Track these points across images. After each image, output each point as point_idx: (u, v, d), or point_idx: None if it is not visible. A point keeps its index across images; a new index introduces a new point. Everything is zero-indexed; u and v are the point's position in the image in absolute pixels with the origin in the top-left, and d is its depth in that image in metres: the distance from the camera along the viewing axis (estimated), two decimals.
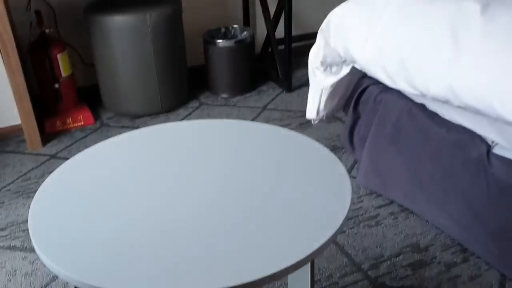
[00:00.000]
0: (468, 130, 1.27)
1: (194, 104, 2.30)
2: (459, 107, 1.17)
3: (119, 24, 1.97)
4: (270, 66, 2.50)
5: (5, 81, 2.01)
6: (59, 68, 2.04)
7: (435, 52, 1.19)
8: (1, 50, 1.80)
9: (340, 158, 1.81)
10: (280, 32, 2.42)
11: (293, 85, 2.42)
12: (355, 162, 1.78)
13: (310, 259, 0.72)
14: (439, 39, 1.19)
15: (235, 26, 2.43)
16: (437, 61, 1.18)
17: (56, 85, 2.06)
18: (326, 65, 1.58)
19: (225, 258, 0.70)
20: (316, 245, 0.72)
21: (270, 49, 2.52)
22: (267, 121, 2.12)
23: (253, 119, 2.14)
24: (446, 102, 1.20)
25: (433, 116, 1.37)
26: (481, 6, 1.16)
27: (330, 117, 1.75)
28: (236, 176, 0.88)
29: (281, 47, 2.37)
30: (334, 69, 1.58)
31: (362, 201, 1.59)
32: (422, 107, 1.41)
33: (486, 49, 1.09)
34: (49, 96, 2.09)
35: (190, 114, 2.21)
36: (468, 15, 1.16)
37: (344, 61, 1.53)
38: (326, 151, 0.96)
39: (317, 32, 2.63)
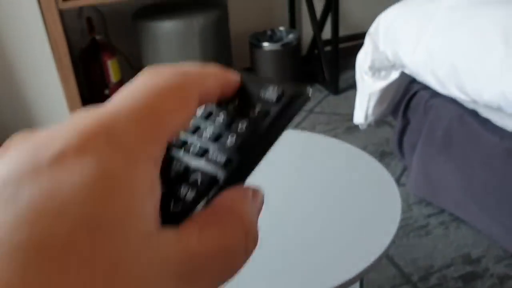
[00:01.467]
0: None
1: None
2: None
3: (166, 30, 2.00)
4: (316, 68, 2.47)
5: (58, 87, 2.08)
6: (109, 74, 2.09)
7: (487, 58, 1.14)
8: (54, 57, 1.86)
9: (389, 164, 1.77)
10: (326, 33, 2.39)
11: (340, 87, 2.39)
12: (405, 168, 1.73)
13: (360, 278, 0.70)
14: (490, 44, 1.14)
15: (281, 28, 2.42)
16: (489, 67, 1.13)
17: (106, 91, 2.11)
18: (375, 70, 1.54)
19: (281, 275, 0.70)
20: (365, 264, 0.71)
21: (316, 51, 2.50)
22: (314, 125, 2.11)
23: (299, 123, 2.13)
24: (498, 109, 1.15)
25: (486, 122, 1.32)
26: None
27: (379, 122, 1.71)
28: (281, 189, 0.88)
29: (328, 48, 2.34)
30: (382, 73, 1.55)
31: (412, 209, 1.55)
32: (474, 113, 1.36)
33: None
34: (99, 102, 2.14)
35: None
36: None
37: (393, 66, 1.50)
38: (374, 161, 0.94)
39: (365, 32, 2.58)
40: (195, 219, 0.19)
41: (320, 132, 2.05)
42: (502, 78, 1.10)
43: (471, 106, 1.37)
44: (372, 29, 1.52)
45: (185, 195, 0.20)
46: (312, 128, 2.09)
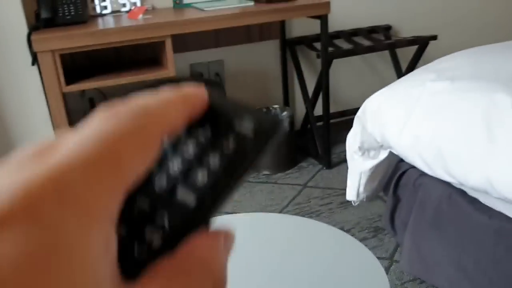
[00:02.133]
0: (510, 218, 1.25)
1: None
2: (498, 198, 1.17)
3: None
4: (309, 142, 2.55)
5: None
6: None
7: (471, 143, 1.21)
8: None
9: (383, 240, 1.80)
10: (318, 109, 2.48)
11: (332, 161, 2.45)
12: (398, 245, 1.76)
13: None
14: (473, 130, 1.21)
15: (276, 106, 2.51)
16: (473, 153, 1.19)
17: None
18: (364, 150, 1.61)
19: None
20: None
21: (309, 126, 2.58)
22: (308, 199, 2.14)
23: (294, 197, 2.17)
24: (485, 192, 1.20)
25: (474, 202, 1.36)
26: None
27: (371, 199, 1.76)
28: (266, 274, 0.91)
29: (320, 123, 2.43)
30: (372, 153, 1.61)
31: None
32: (462, 192, 1.40)
33: None
34: None
35: None
36: (500, 108, 1.18)
37: (382, 146, 1.56)
38: (361, 246, 0.97)
39: (354, 109, 2.68)
40: (159, 273, 0.17)
41: (314, 206, 2.09)
42: (486, 164, 1.16)
43: (459, 185, 1.42)
44: (360, 112, 1.60)
45: (151, 239, 0.18)
46: (307, 203, 2.12)
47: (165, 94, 0.19)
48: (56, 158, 0.16)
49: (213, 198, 0.19)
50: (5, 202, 0.14)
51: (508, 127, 1.14)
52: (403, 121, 1.43)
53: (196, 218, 0.19)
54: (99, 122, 0.17)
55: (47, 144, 0.17)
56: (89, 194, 0.15)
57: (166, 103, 0.19)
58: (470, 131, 1.22)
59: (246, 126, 0.20)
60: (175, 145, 0.20)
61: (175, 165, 0.20)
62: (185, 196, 0.19)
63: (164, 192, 0.19)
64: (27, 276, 0.13)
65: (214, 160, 0.19)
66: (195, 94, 0.20)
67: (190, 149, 0.20)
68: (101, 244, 0.16)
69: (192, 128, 0.20)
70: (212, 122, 0.21)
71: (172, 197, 0.19)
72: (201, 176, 0.19)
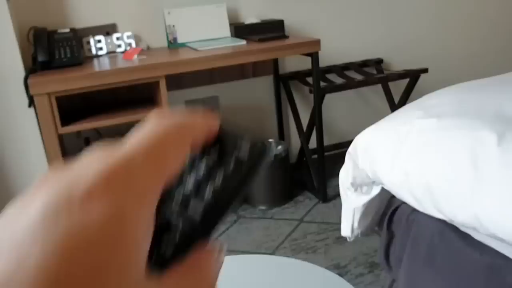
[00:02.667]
0: (501, 254, 1.26)
1: (231, 217, 2.36)
2: (487, 235, 1.18)
3: None
4: (305, 176, 2.57)
5: None
6: None
7: (458, 180, 1.22)
8: None
9: (379, 275, 1.80)
10: (314, 141, 2.51)
11: (329, 195, 2.46)
12: (393, 281, 1.75)
13: None
14: (460, 167, 1.23)
15: (271, 140, 2.54)
16: (461, 190, 1.21)
17: None
18: (356, 186, 1.62)
19: None
20: None
21: (304, 159, 2.60)
22: (305, 234, 2.15)
23: (290, 233, 2.17)
24: (474, 229, 1.21)
25: (466, 237, 1.37)
26: (497, 136, 1.20)
27: (366, 234, 1.76)
28: None
29: (315, 156, 2.45)
30: (364, 189, 1.62)
31: None
32: (454, 228, 1.41)
33: (506, 181, 1.11)
34: None
35: (227, 229, 2.27)
36: (485, 145, 1.20)
37: (374, 182, 1.58)
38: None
39: (348, 141, 2.70)
40: (172, 274, 0.22)
41: (311, 242, 2.09)
42: (474, 202, 1.18)
43: (450, 221, 1.43)
44: (351, 148, 1.62)
45: (166, 247, 0.22)
46: (303, 238, 2.13)
47: (195, 116, 0.25)
48: (123, 152, 0.21)
49: (215, 214, 0.23)
50: (91, 182, 0.20)
51: (494, 165, 1.16)
52: (393, 158, 1.45)
53: (201, 231, 0.23)
54: (153, 125, 0.23)
55: (116, 144, 0.22)
56: (146, 179, 0.21)
57: (196, 124, 0.24)
58: (457, 169, 1.24)
59: (243, 151, 0.24)
60: (192, 162, 0.24)
61: (190, 181, 0.24)
62: (194, 210, 0.23)
63: (180, 203, 0.23)
64: (106, 238, 0.19)
65: (218, 179, 0.23)
66: (212, 123, 0.25)
67: (202, 167, 0.24)
68: (147, 224, 0.21)
69: (204, 149, 0.25)
70: (219, 145, 0.25)
71: (185, 209, 0.23)
72: (207, 194, 0.23)
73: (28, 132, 2.02)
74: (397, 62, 2.91)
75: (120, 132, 2.14)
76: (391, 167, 1.44)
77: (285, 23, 2.58)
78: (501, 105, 1.38)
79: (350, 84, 2.40)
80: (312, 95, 2.36)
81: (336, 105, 2.83)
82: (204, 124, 0.25)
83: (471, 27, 3.06)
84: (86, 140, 2.22)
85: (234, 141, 0.25)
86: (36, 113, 1.91)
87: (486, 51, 3.14)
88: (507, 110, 1.35)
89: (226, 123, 0.26)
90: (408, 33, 2.90)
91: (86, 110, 2.10)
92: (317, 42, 2.19)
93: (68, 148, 2.31)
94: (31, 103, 1.94)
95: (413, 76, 2.49)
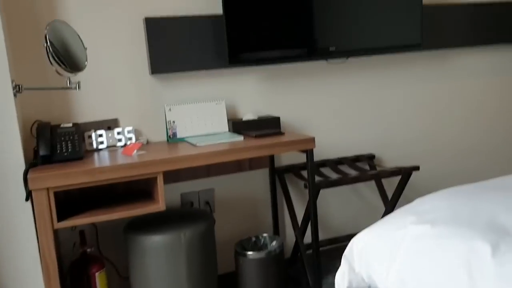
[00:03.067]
0: None
1: None
2: None
3: (154, 243, 2.10)
4: (300, 272, 2.54)
5: None
6: (96, 287, 2.13)
7: None
8: (43, 273, 1.92)
9: None
10: (308, 235, 2.50)
11: None
12: None
13: None
14: (455, 278, 1.23)
15: (265, 235, 2.53)
16: None
17: None
18: None
19: None
20: None
21: (299, 254, 2.59)
22: None
23: None
24: None
25: None
26: (491, 247, 1.22)
27: None
28: None
29: (310, 251, 2.44)
30: None
31: None
32: None
33: None
34: None
35: None
36: (480, 256, 1.22)
37: (369, 286, 1.57)
38: None
39: (343, 236, 2.71)
40: None
41: None
42: None
43: None
44: (347, 251, 1.62)
45: None
46: None
47: None
48: None
49: None
50: None
51: (489, 278, 1.17)
52: (388, 263, 1.45)
53: None
54: None
55: None
56: None
57: None
58: (453, 280, 1.24)
59: None
60: None
61: None
62: None
63: None
64: None
65: None
66: None
67: None
68: None
69: None
70: None
71: None
72: None
73: (23, 226, 2.01)
74: (389, 158, 2.98)
75: (115, 226, 2.14)
76: (387, 273, 1.44)
77: (281, 119, 2.68)
78: (493, 214, 1.42)
79: (345, 180, 2.44)
80: (307, 190, 2.39)
81: (330, 199, 2.86)
82: None
83: (462, 126, 3.17)
84: (81, 233, 2.21)
85: None
86: (33, 207, 1.92)
87: (477, 151, 3.23)
88: (500, 219, 1.38)
89: None
90: (399, 131, 3.00)
91: (83, 203, 2.12)
92: (311, 140, 2.26)
93: (62, 240, 2.30)
94: (29, 197, 1.96)
95: (405, 173, 2.54)
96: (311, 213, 2.35)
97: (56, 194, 1.90)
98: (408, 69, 2.98)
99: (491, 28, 3.08)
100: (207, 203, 2.61)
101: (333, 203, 2.88)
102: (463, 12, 3.00)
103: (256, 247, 2.49)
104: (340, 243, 2.70)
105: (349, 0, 2.60)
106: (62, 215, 1.95)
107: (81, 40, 2.09)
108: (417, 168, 2.55)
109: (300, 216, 2.73)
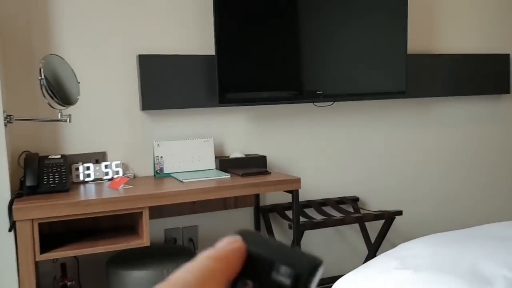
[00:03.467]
0: None
1: None
2: None
3: (136, 279, 2.08)
4: None
5: None
6: None
7: None
8: None
9: None
10: None
11: None
12: None
13: None
14: None
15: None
16: None
17: None
18: None
19: None
20: None
21: None
22: None
23: None
24: None
25: None
26: None
27: None
28: None
29: None
30: None
31: None
32: None
33: None
34: None
35: None
36: None
37: None
38: None
39: (327, 278, 2.69)
40: None
41: None
42: None
43: None
44: None
45: None
46: None
47: (225, 250, 0.32)
48: (175, 279, 0.30)
49: None
50: None
51: None
52: None
53: None
54: (201, 263, 0.31)
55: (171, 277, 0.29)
56: None
57: (229, 262, 0.31)
58: None
59: (283, 273, 0.25)
60: None
61: None
62: None
63: None
64: None
65: None
66: (241, 254, 0.31)
67: None
68: None
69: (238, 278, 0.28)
70: (250, 273, 0.28)
71: None
72: None
73: (4, 257, 1.98)
74: (373, 201, 3.02)
75: (97, 260, 2.11)
76: None
77: (268, 158, 2.71)
78: (475, 261, 1.45)
79: (329, 222, 2.47)
80: (291, 230, 2.40)
81: (313, 240, 2.88)
82: (235, 262, 0.31)
83: (444, 173, 3.24)
84: (62, 266, 2.18)
85: (271, 266, 0.27)
86: (16, 238, 1.90)
87: (458, 197, 3.29)
88: (481, 266, 1.41)
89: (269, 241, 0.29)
90: (384, 175, 3.05)
91: (65, 234, 2.10)
92: (297, 181, 2.29)
93: (43, 272, 2.26)
94: (12, 227, 1.94)
95: (388, 217, 2.58)
96: None
97: (40, 226, 1.89)
98: (393, 115, 3.06)
99: (473, 79, 3.20)
100: (191, 240, 2.60)
101: (317, 244, 2.89)
102: (446, 62, 3.12)
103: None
104: (324, 285, 2.69)
105: (337, 46, 2.69)
106: (44, 247, 1.94)
107: (75, 75, 2.12)
108: (400, 212, 2.59)
109: None
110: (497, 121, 3.40)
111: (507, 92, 3.30)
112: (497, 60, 3.27)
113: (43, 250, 1.91)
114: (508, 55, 3.29)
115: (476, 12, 3.28)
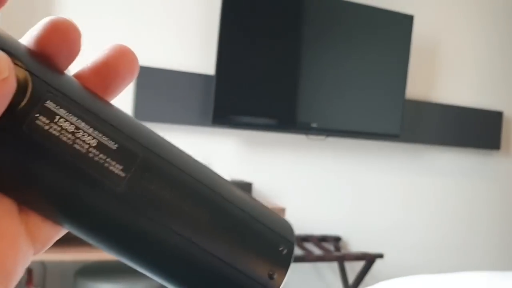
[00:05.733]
0: None
1: None
2: None
3: None
4: None
5: None
6: None
7: None
8: None
9: None
10: None
11: None
12: None
13: None
14: None
15: None
16: None
17: None
18: None
19: None
20: None
21: None
22: None
23: None
24: None
25: None
26: None
27: None
28: None
29: None
30: None
31: None
32: None
33: None
34: None
35: None
36: None
37: None
38: None
39: None
40: None
41: None
42: None
43: None
44: None
45: None
46: None
47: None
48: None
49: None
50: None
51: None
52: None
53: None
54: None
55: None
56: None
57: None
58: None
59: None
60: None
61: None
62: None
63: None
64: None
65: None
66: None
67: None
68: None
69: None
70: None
71: None
72: None
73: None
74: (355, 242, 2.97)
75: (66, 269, 2.04)
76: None
77: (254, 186, 2.67)
78: None
79: (308, 258, 2.41)
80: None
81: (290, 275, 2.80)
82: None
83: (429, 221, 3.21)
84: (28, 271, 2.09)
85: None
86: None
87: (443, 245, 3.26)
88: None
89: None
90: (368, 216, 3.01)
91: None
92: (281, 210, 2.25)
93: None
94: None
95: (368, 259, 2.53)
96: None
97: None
98: (384, 158, 3.05)
99: (466, 132, 3.21)
100: None
101: (293, 279, 2.82)
102: (442, 112, 3.13)
103: None
104: None
105: (337, 82, 2.69)
106: None
107: None
108: (381, 256, 2.54)
109: None
110: (484, 176, 3.41)
111: (498, 148, 3.32)
112: (491, 116, 3.30)
113: None
114: (501, 112, 3.32)
115: (475, 68, 3.32)
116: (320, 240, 2.81)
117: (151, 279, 2.06)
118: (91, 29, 2.31)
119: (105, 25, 2.34)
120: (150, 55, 2.43)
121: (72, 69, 0.24)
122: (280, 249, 0.22)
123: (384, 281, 1.71)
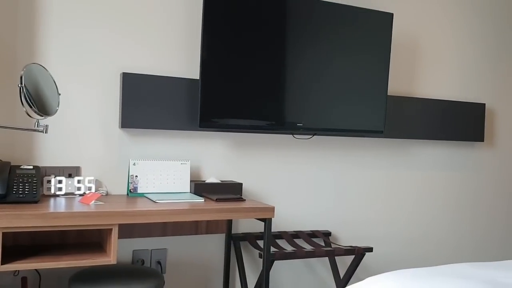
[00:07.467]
0: None
1: None
2: None
3: None
4: None
5: None
6: None
7: None
8: None
9: None
10: None
11: None
12: None
13: None
14: None
15: None
16: None
17: None
18: None
19: None
20: None
21: None
22: None
23: None
24: None
25: None
26: None
27: None
28: None
29: None
30: None
31: None
32: None
33: None
34: None
35: None
36: None
37: None
38: None
39: None
40: None
41: None
42: None
43: None
44: None
45: None
46: None
47: None
48: None
49: None
50: None
51: None
52: None
53: None
54: None
55: None
56: None
57: None
58: None
59: None
60: None
61: None
62: None
63: None
64: None
65: None
66: None
67: None
68: None
69: None
70: None
71: None
72: None
73: None
74: (345, 236, 3.03)
75: (60, 276, 2.07)
76: None
77: (244, 186, 2.71)
78: None
79: (299, 254, 2.46)
80: (261, 259, 2.38)
81: (283, 271, 2.85)
82: None
83: (416, 213, 3.27)
84: (23, 279, 2.12)
85: None
86: None
87: (428, 239, 3.32)
88: None
89: None
90: (357, 211, 3.07)
91: (29, 247, 2.05)
92: (271, 209, 2.29)
93: (2, 286, 2.19)
94: None
95: (358, 253, 2.58)
96: (263, 284, 2.33)
97: (5, 236, 1.84)
98: (370, 153, 3.10)
99: (449, 125, 3.28)
100: (159, 262, 2.56)
101: (286, 275, 2.86)
102: (424, 106, 3.19)
103: None
104: None
105: (321, 81, 2.74)
106: (6, 258, 1.88)
107: (56, 86, 2.12)
108: (370, 249, 2.59)
109: (251, 286, 2.70)
110: (469, 168, 3.47)
111: (481, 140, 3.38)
112: (473, 109, 3.36)
113: (4, 261, 1.86)
114: (484, 104, 3.39)
115: (456, 61, 3.39)
116: (310, 235, 2.86)
117: (144, 284, 2.09)
118: (76, 37, 2.33)
119: (90, 33, 2.37)
120: (135, 62, 2.46)
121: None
122: None
123: (373, 276, 1.75)
